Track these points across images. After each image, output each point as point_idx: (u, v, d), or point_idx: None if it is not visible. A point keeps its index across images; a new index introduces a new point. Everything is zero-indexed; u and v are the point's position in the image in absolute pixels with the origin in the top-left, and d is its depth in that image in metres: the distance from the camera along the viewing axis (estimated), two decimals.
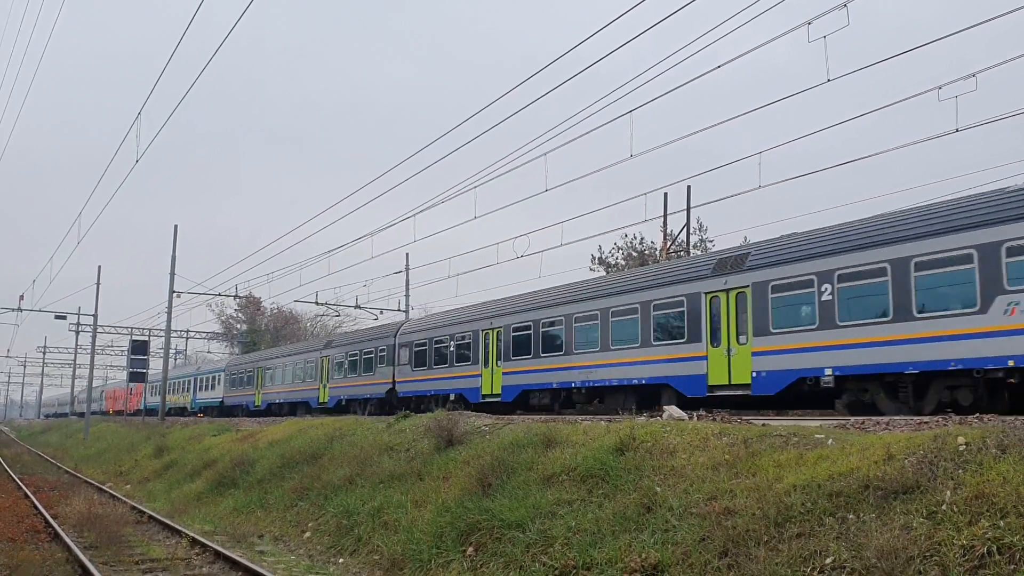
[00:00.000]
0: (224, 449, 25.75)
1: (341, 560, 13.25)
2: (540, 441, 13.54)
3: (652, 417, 14.49)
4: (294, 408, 38.80)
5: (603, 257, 42.68)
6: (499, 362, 24.41)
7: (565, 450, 12.76)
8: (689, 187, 31.34)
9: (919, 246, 14.10)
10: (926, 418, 11.80)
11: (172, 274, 42.05)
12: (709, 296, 17.82)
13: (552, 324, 22.42)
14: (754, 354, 16.62)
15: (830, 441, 9.93)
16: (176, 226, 42.04)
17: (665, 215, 32.01)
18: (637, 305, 19.68)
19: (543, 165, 22.27)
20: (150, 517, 18.10)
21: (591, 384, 20.75)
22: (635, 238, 42.33)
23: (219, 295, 49.79)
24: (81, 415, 66.15)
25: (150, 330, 62.68)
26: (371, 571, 12.28)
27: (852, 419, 12.64)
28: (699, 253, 35.29)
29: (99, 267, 50.69)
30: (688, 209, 31.32)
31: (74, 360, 77.14)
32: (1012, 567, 6.29)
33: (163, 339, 48.63)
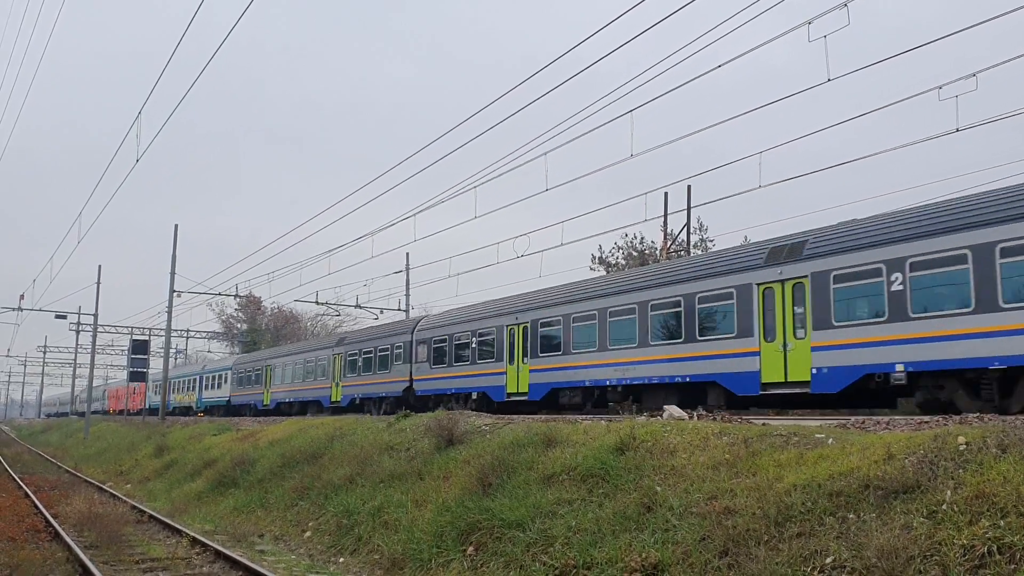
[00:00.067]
0: (224, 448, 25.75)
1: (341, 559, 13.25)
2: (540, 441, 13.55)
3: (652, 417, 14.49)
4: (304, 407, 37.84)
5: (603, 257, 42.69)
6: (526, 359, 23.35)
7: (565, 450, 12.77)
8: (689, 187, 31.35)
9: (1006, 231, 13.08)
10: (926, 417, 11.80)
11: (172, 273, 42.08)
12: (761, 287, 16.75)
13: (584, 319, 21.29)
14: (814, 349, 15.58)
15: (830, 441, 9.93)
16: (176, 225, 42.10)
17: (665, 215, 32.02)
18: (679, 298, 18.59)
19: (543, 165, 22.16)
20: (150, 516, 18.09)
21: (627, 382, 19.67)
22: (635, 238, 42.37)
23: (219, 295, 49.92)
24: (82, 415, 66.13)
25: (150, 329, 62.75)
26: (371, 570, 12.29)
27: (852, 419, 12.64)
28: (699, 253, 35.27)
29: (99, 266, 50.76)
30: (688, 209, 31.32)
31: (74, 360, 77.21)
32: (1012, 567, 6.29)
33: (163, 339, 48.63)
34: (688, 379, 18.12)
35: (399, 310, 46.72)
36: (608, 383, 20.33)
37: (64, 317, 56.07)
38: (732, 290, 17.38)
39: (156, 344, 57.20)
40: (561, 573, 9.33)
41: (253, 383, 44.65)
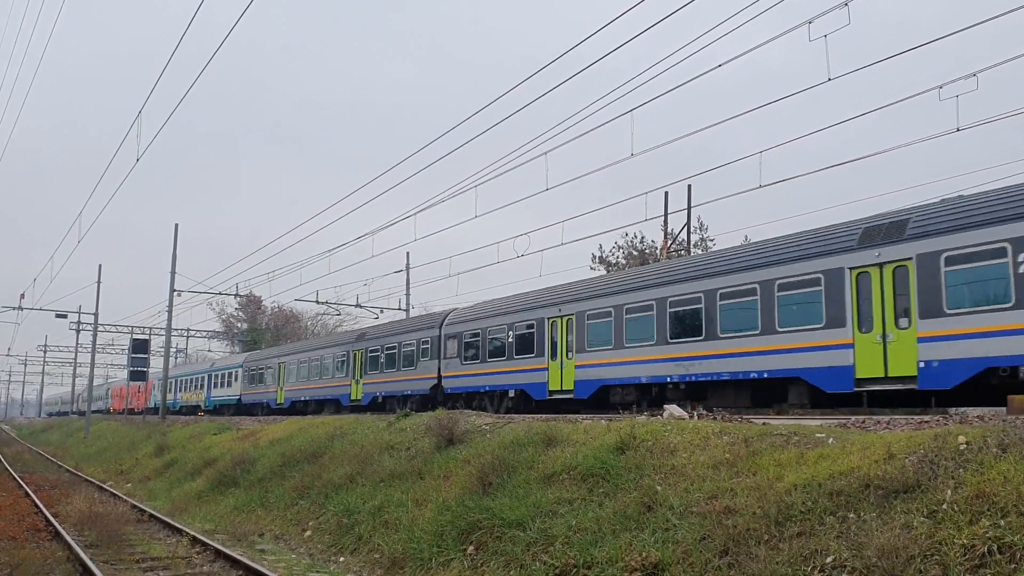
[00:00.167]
0: (225, 448, 25.76)
1: (342, 559, 13.26)
2: (540, 440, 13.55)
3: (653, 416, 14.48)
4: (321, 406, 36.30)
5: (603, 256, 42.71)
6: (571, 354, 21.65)
7: (566, 449, 12.77)
8: (690, 186, 31.35)
9: None
10: (927, 417, 11.77)
11: (173, 272, 42.08)
12: (855, 272, 15.08)
13: (640, 310, 19.56)
14: (921, 340, 13.94)
15: (831, 440, 9.93)
16: (176, 225, 42.07)
17: (666, 214, 32.01)
18: (755, 285, 16.85)
19: (544, 164, 22.01)
20: (151, 516, 18.10)
21: (692, 379, 18.09)
22: (636, 237, 42.39)
23: (220, 294, 49.93)
24: (82, 414, 66.12)
25: (151, 329, 62.77)
26: (372, 570, 12.29)
27: (852, 418, 12.63)
28: (699, 252, 35.25)
29: (100, 266, 50.74)
30: (689, 208, 31.34)
31: (75, 359, 77.26)
32: (1013, 566, 6.29)
33: (164, 338, 48.63)
34: (765, 375, 16.62)
35: (399, 309, 46.79)
36: (668, 380, 18.69)
37: (64, 316, 56.23)
38: (819, 275, 15.70)
39: (156, 343, 57.29)
40: (561, 572, 9.33)
41: (265, 381, 42.99)
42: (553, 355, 22.38)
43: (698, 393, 18.49)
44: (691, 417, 13.86)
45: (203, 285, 56.18)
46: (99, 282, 50.23)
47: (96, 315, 52.00)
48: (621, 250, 42.48)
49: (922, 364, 13.94)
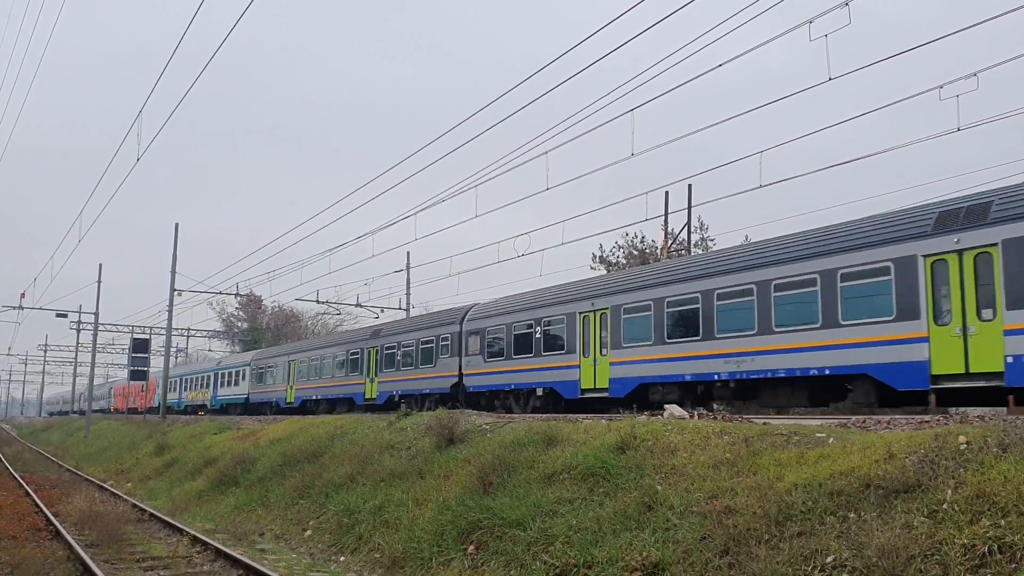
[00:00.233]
0: (225, 447, 25.76)
1: (342, 558, 13.26)
2: (541, 440, 13.56)
3: (653, 416, 14.48)
4: (333, 405, 35.05)
5: (604, 256, 42.73)
6: (605, 350, 20.55)
7: (566, 449, 12.77)
8: (690, 186, 31.26)
9: None
10: (927, 417, 11.77)
11: (173, 272, 42.08)
12: (930, 260, 14.05)
13: (683, 303, 18.53)
14: (1008, 332, 12.96)
15: (831, 440, 9.93)
16: (177, 224, 42.07)
17: (666, 214, 31.98)
18: (815, 276, 15.75)
19: (544, 164, 21.93)
20: (151, 515, 18.10)
21: (743, 376, 17.01)
22: (636, 237, 42.40)
23: (220, 293, 49.91)
24: (82, 413, 66.11)
25: (151, 328, 62.77)
26: (372, 569, 12.29)
27: (853, 418, 12.63)
28: (700, 252, 35.25)
29: (100, 265, 50.68)
30: (689, 208, 31.31)
31: (75, 358, 77.30)
32: (1013, 566, 6.30)
33: (164, 337, 48.61)
34: (827, 371, 15.56)
35: (399, 309, 46.80)
36: (716, 377, 17.61)
37: (65, 316, 56.15)
38: (888, 264, 14.64)
39: (157, 343, 57.27)
40: (562, 572, 9.34)
41: (275, 380, 41.61)
42: (585, 352, 21.26)
43: (749, 392, 17.62)
44: (691, 417, 13.87)
45: (203, 285, 56.29)
46: (99, 281, 50.28)
47: (96, 314, 52.01)
48: (621, 250, 42.52)
49: (1009, 359, 12.95)
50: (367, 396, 32.04)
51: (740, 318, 17.15)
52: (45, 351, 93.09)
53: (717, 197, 60.65)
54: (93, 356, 54.93)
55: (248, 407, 44.70)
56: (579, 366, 21.36)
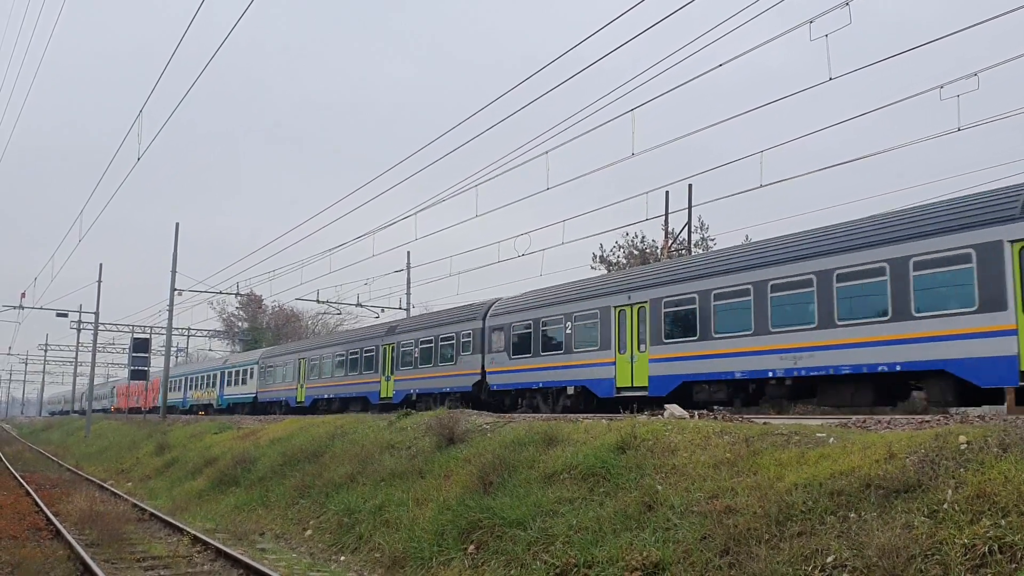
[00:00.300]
0: (225, 447, 25.76)
1: (343, 558, 13.27)
2: (541, 439, 13.56)
3: (653, 416, 14.49)
4: (346, 404, 33.92)
5: (604, 255, 42.74)
6: (643, 346, 19.53)
7: (566, 448, 12.77)
8: (691, 186, 31.25)
9: None
10: (927, 417, 11.77)
11: (174, 271, 42.09)
12: (1017, 246, 12.98)
13: (733, 295, 17.41)
14: None
15: (832, 440, 9.94)
16: (177, 224, 42.04)
17: (667, 214, 31.98)
18: (883, 264, 14.67)
19: (544, 163, 21.89)
20: (151, 515, 18.11)
21: (801, 373, 15.93)
22: (636, 236, 42.40)
23: (220, 293, 49.92)
24: (82, 413, 66.09)
25: (151, 328, 62.79)
26: (372, 569, 12.30)
27: (853, 418, 12.63)
28: (700, 252, 35.24)
29: (100, 265, 50.71)
30: (689, 208, 31.31)
31: (75, 358, 77.31)
32: (1013, 566, 6.30)
33: (164, 337, 48.61)
34: (898, 367, 14.45)
35: (400, 308, 46.82)
36: (771, 374, 16.52)
37: (65, 315, 56.16)
38: (969, 251, 13.60)
39: (157, 343, 57.27)
40: (562, 572, 9.34)
41: (284, 378, 40.40)
42: (621, 348, 20.20)
43: (806, 390, 16.70)
44: (692, 417, 13.87)
45: (204, 284, 56.31)
46: (100, 281, 50.32)
47: (97, 314, 52.06)
48: (622, 249, 42.52)
49: None
50: (383, 395, 31.14)
51: (798, 311, 16.14)
52: (45, 351, 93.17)
53: (717, 197, 60.79)
54: (93, 356, 54.98)
55: (256, 406, 43.72)
56: (614, 363, 20.35)
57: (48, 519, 17.05)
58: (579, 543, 9.64)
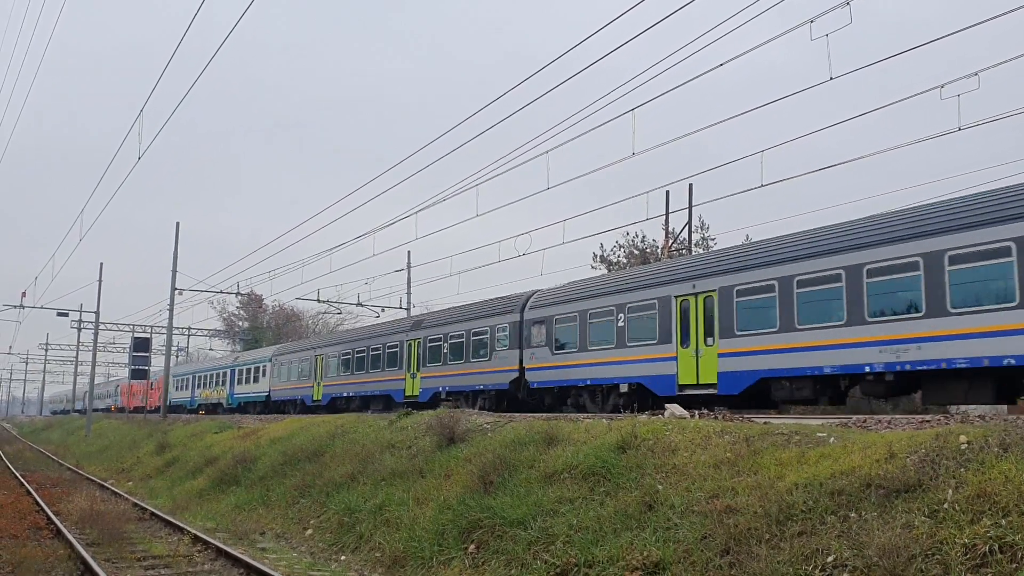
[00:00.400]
0: (226, 446, 25.77)
1: (343, 557, 13.27)
2: (541, 439, 13.56)
3: (653, 415, 14.49)
4: (367, 403, 32.38)
5: (604, 255, 42.74)
6: (710, 339, 17.91)
7: (567, 448, 12.78)
8: (691, 185, 31.20)
9: None
10: (928, 416, 11.77)
11: (174, 271, 42.10)
12: None
13: (819, 282, 15.81)
14: None
15: (832, 439, 9.94)
16: (178, 223, 42.05)
17: (667, 213, 31.96)
18: (1009, 244, 12.89)
19: (545, 163, 21.86)
20: (152, 514, 18.12)
21: (905, 368, 14.30)
22: (637, 236, 42.39)
23: (221, 292, 49.93)
24: (83, 412, 66.10)
25: (152, 327, 62.81)
26: (373, 568, 12.30)
27: (854, 417, 12.63)
28: (701, 252, 35.22)
29: (101, 264, 50.72)
30: (690, 207, 31.28)
31: (76, 357, 77.35)
32: (1014, 566, 6.30)
33: (165, 336, 48.60)
34: None
35: (400, 308, 46.86)
36: (868, 369, 14.92)
37: (66, 315, 56.21)
38: None
39: (158, 342, 57.30)
40: (562, 571, 9.35)
41: (300, 376, 38.63)
42: (684, 341, 18.54)
43: (909, 386, 15.35)
44: (692, 416, 13.87)
45: (204, 284, 56.32)
46: (100, 281, 50.33)
47: (97, 313, 52.06)
48: (622, 249, 42.53)
49: None
50: (408, 393, 29.57)
51: (901, 298, 14.54)
52: (46, 350, 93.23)
53: (718, 196, 60.79)
54: (94, 355, 54.99)
55: (269, 405, 41.98)
56: (676, 358, 18.68)
57: (49, 518, 17.06)
58: (579, 543, 9.65)
